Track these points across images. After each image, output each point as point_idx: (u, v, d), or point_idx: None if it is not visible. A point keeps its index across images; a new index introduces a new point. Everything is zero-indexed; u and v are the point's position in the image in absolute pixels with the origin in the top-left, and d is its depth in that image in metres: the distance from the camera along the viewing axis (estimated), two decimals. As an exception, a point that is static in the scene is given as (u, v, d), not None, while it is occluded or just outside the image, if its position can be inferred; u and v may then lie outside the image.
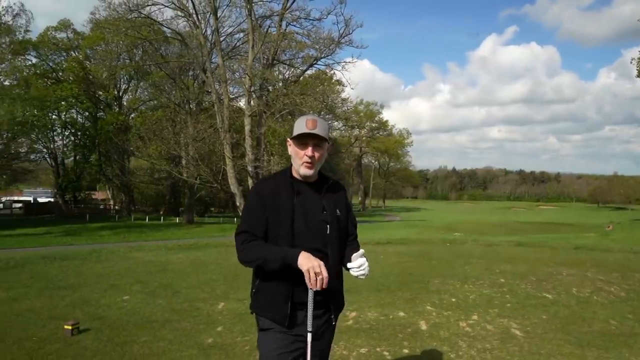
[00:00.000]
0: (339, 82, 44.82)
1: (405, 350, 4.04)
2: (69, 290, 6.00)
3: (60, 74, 42.31)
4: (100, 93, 44.64)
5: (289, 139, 2.12)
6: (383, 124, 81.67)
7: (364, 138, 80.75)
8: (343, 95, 52.28)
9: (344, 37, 32.50)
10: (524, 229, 35.87)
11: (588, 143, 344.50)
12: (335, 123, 63.93)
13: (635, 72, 31.82)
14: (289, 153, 2.16)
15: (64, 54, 42.82)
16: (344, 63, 33.83)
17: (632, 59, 31.83)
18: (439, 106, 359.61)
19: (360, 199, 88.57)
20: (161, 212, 45.81)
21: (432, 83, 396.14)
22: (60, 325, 4.39)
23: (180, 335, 4.31)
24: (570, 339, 4.36)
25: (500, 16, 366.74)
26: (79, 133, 45.33)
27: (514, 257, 8.80)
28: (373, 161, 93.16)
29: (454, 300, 5.72)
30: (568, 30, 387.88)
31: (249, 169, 31.69)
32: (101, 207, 51.75)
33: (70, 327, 4.23)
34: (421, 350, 4.05)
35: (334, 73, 40.17)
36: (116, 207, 50.25)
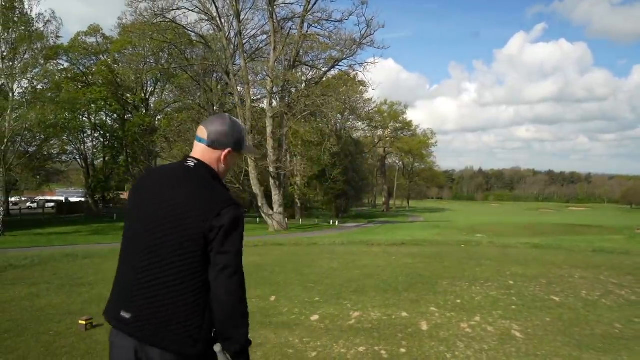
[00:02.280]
0: (362, 83, 44.87)
1: (403, 350, 4.13)
2: (87, 287, 6.31)
3: (90, 77, 43.74)
4: (128, 95, 45.94)
5: (232, 150, 1.83)
6: (407, 124, 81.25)
7: (387, 138, 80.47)
8: (366, 95, 52.27)
9: (365, 38, 32.65)
10: (550, 231, 35.10)
11: (621, 143, 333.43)
12: (359, 123, 63.90)
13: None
14: (228, 162, 1.85)
15: (94, 58, 44.26)
16: (365, 64, 33.93)
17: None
18: (465, 105, 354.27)
19: (384, 199, 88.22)
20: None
21: (458, 82, 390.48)
22: (75, 321, 4.65)
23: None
24: (570, 341, 4.36)
25: (528, 13, 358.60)
26: (108, 135, 46.74)
27: (528, 260, 8.72)
28: (397, 162, 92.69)
29: (458, 301, 5.76)
30: (599, 26, 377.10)
31: (271, 169, 32.08)
32: (129, 206, 53.06)
33: (84, 322, 4.49)
34: (418, 350, 4.13)
35: (357, 74, 40.27)
36: (143, 207, 51.47)
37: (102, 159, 47.96)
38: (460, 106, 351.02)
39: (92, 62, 44.52)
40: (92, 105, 42.45)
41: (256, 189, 32.32)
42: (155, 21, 30.70)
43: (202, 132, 1.82)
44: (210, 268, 1.65)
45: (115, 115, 46.91)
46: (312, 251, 9.84)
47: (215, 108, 40.06)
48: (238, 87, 33.89)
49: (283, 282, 6.65)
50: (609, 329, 4.76)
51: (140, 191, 1.81)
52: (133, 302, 1.67)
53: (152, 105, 48.40)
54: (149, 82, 46.47)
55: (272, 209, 33.43)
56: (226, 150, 1.81)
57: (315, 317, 5.06)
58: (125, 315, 1.67)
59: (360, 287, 6.45)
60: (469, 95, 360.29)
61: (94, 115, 45.13)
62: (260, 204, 33.19)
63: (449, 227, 39.71)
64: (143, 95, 46.78)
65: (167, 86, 46.93)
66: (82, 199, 48.85)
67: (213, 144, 1.80)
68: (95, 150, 47.33)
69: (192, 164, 1.78)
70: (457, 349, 4.15)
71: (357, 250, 9.93)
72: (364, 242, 11.99)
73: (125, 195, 57.82)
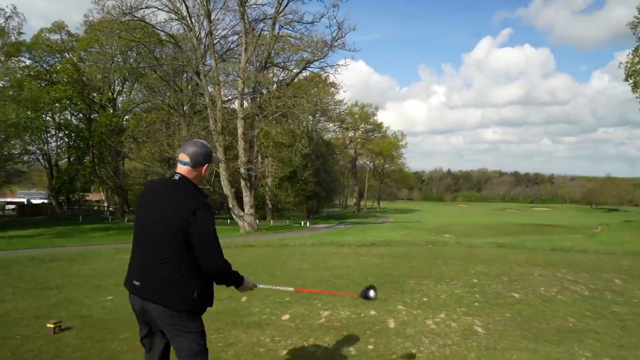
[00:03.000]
0: (333, 85, 45.18)
1: (370, 347, 4.28)
2: (55, 290, 6.22)
3: (54, 75, 42.45)
4: (95, 95, 44.81)
5: (207, 164, 2.58)
6: (377, 126, 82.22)
7: (358, 140, 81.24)
8: (337, 97, 52.64)
9: (336, 40, 32.86)
10: (515, 231, 36.23)
11: (582, 145, 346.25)
12: (330, 125, 64.27)
13: (624, 76, 32.26)
14: (205, 173, 2.61)
15: (58, 55, 42.94)
16: (336, 66, 34.19)
17: (620, 63, 32.26)
18: (434, 108, 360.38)
19: (355, 200, 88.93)
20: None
21: (427, 84, 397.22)
22: (43, 324, 4.60)
23: (158, 333, 4.53)
24: (527, 335, 4.62)
25: (494, 18, 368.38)
26: (73, 135, 45.40)
27: (492, 259, 9.06)
28: (368, 163, 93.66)
29: (425, 299, 5.97)
30: (561, 32, 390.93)
31: (242, 171, 31.92)
32: (95, 208, 51.78)
33: (52, 326, 4.45)
34: (385, 347, 4.29)
35: (328, 76, 40.53)
36: (110, 208, 50.33)
37: (66, 160, 46.55)
38: (430, 108, 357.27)
39: (56, 59, 43.17)
40: (57, 104, 41.23)
41: (227, 190, 32.10)
42: (123, 19, 30.07)
43: (183, 157, 2.54)
44: (194, 250, 2.38)
45: (81, 115, 45.66)
46: (283, 252, 9.92)
47: (185, 108, 39.58)
48: (209, 88, 33.57)
49: (254, 283, 6.71)
50: (563, 322, 5.05)
51: (142, 199, 2.59)
52: (141, 274, 2.44)
53: (119, 105, 47.37)
54: (116, 81, 45.47)
55: (242, 210, 33.25)
56: (204, 166, 2.57)
57: (286, 317, 5.16)
58: (136, 283, 2.46)
59: (331, 287, 6.59)
60: (438, 98, 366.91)
61: (58, 115, 43.79)
62: (231, 206, 32.98)
63: (418, 227, 40.43)
64: (110, 94, 45.72)
65: (135, 86, 46.04)
66: (46, 201, 47.28)
67: (195, 164, 2.54)
68: (59, 151, 45.86)
69: (177, 178, 2.53)
70: (422, 345, 4.33)
71: (327, 252, 10.06)
72: (334, 243, 12.15)
73: (91, 196, 56.40)
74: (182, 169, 2.53)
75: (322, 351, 4.17)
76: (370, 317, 5.20)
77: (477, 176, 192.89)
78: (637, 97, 31.58)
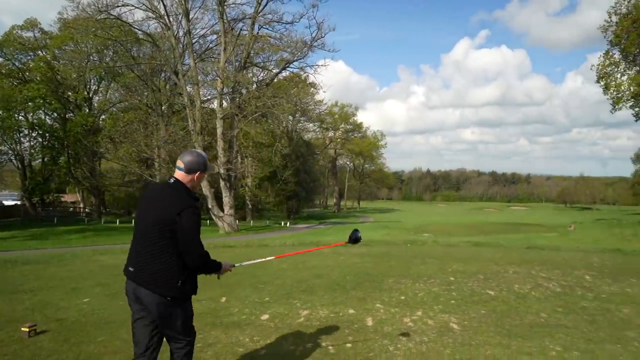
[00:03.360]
0: (313, 85, 45.25)
1: (349, 345, 4.34)
2: (29, 294, 6.11)
3: (27, 74, 41.34)
4: (70, 94, 43.80)
5: (200, 172, 2.92)
6: (357, 126, 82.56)
7: (338, 140, 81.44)
8: (317, 97, 52.71)
9: (316, 41, 32.91)
10: (492, 230, 36.87)
11: (557, 145, 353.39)
12: (310, 125, 64.30)
13: (596, 78, 33.17)
14: (199, 180, 2.97)
15: (31, 53, 41.87)
16: (316, 66, 34.27)
17: (592, 66, 33.17)
18: (413, 108, 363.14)
19: (335, 200, 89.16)
20: (133, 215, 45.22)
21: (407, 85, 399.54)
22: (18, 328, 4.53)
23: (136, 335, 4.51)
24: (501, 330, 4.75)
25: (472, 20, 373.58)
26: (47, 134, 44.26)
27: (468, 257, 9.25)
28: (348, 163, 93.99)
29: (403, 298, 6.07)
30: (536, 34, 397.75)
31: (221, 171, 31.69)
32: (71, 209, 50.70)
33: (27, 330, 4.38)
34: (364, 345, 4.35)
35: (308, 76, 40.56)
36: (86, 209, 49.35)
37: (40, 160, 45.38)
38: (409, 109, 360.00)
39: (29, 57, 42.08)
40: (29, 103, 40.14)
41: (206, 190, 31.83)
42: (99, 17, 29.54)
43: (179, 163, 2.88)
44: (179, 245, 2.74)
45: (56, 114, 44.58)
46: (263, 253, 9.92)
47: (163, 108, 39.09)
48: (187, 88, 33.24)
49: (234, 283, 6.71)
50: (536, 318, 5.21)
51: (141, 199, 2.98)
52: (135, 263, 2.81)
53: (95, 105, 46.45)
54: (92, 80, 44.56)
55: (222, 210, 33.04)
56: (197, 173, 2.90)
57: (265, 317, 5.19)
58: (131, 269, 2.83)
59: (310, 287, 6.64)
60: (417, 98, 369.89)
61: (31, 114, 42.63)
62: (210, 206, 32.72)
63: (398, 227, 40.78)
64: (86, 93, 44.78)
65: (112, 85, 45.23)
66: (19, 202, 46.06)
67: (189, 171, 2.87)
68: (33, 151, 44.59)
69: (172, 181, 2.89)
70: (399, 342, 4.41)
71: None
72: (314, 243, 12.20)
73: (66, 198, 55.20)
74: (177, 173, 2.88)
75: (301, 350, 4.21)
76: (349, 315, 5.27)
77: (455, 176, 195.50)
78: (608, 99, 32.53)
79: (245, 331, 4.68)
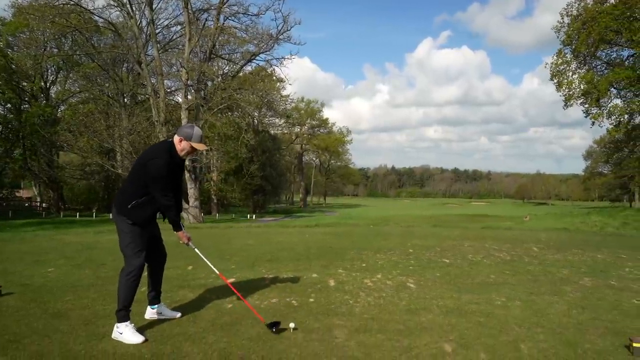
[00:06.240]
0: (280, 80, 45.13)
1: (311, 299, 4.59)
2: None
3: (-22, 62, 39.42)
4: (25, 84, 42.04)
5: (188, 141, 3.64)
6: (323, 122, 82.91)
7: (304, 135, 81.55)
8: (284, 92, 52.62)
9: (282, 34, 32.86)
10: (453, 220, 37.98)
11: (515, 143, 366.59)
12: (276, 120, 64.09)
13: (550, 76, 34.69)
14: (182, 146, 3.66)
15: (-18, 40, 39.94)
16: (282, 59, 34.25)
17: (546, 64, 34.69)
18: (378, 106, 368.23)
19: (301, 196, 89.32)
20: (94, 210, 43.97)
21: (372, 83, 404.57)
22: (-18, 290, 4.53)
23: (105, 295, 4.60)
24: (453, 288, 5.12)
25: (435, 20, 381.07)
26: (1, 126, 42.41)
27: (427, 235, 9.68)
28: (314, 159, 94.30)
29: (364, 265, 6.38)
30: (495, 36, 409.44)
31: (187, 162, 31.31)
32: (26, 205, 48.74)
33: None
34: (326, 300, 4.61)
35: (274, 70, 40.44)
36: (43, 204, 47.59)
37: (-7, 153, 43.39)
38: (374, 107, 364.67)
39: (-20, 44, 40.14)
40: (-19, 93, 38.40)
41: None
42: (56, 3, 28.53)
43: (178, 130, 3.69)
44: (149, 186, 3.56)
45: (9, 105, 42.74)
46: (229, 232, 10.06)
47: (125, 99, 38.17)
48: (151, 79, 32.60)
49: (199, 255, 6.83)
50: (485, 278, 5.62)
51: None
52: (117, 195, 3.75)
53: (53, 95, 44.78)
54: (49, 70, 42.96)
55: (187, 202, 32.65)
56: (182, 140, 3.64)
57: (231, 280, 5.36)
58: (115, 200, 3.70)
59: (275, 258, 6.86)
60: (382, 97, 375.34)
61: (-17, 105, 40.80)
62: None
63: (361, 219, 41.39)
64: (43, 83, 43.09)
65: (71, 75, 43.70)
66: (-32, 197, 43.99)
67: (178, 135, 3.66)
68: (-16, 143, 42.69)
69: (168, 141, 3.73)
70: (359, 297, 4.70)
71: (273, 231, 10.31)
72: (279, 225, 12.39)
73: (21, 193, 52.97)
74: (174, 137, 3.70)
75: (266, 304, 4.43)
76: (312, 278, 5.52)
77: (419, 173, 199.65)
78: (561, 96, 34.09)
79: (212, 291, 4.85)
